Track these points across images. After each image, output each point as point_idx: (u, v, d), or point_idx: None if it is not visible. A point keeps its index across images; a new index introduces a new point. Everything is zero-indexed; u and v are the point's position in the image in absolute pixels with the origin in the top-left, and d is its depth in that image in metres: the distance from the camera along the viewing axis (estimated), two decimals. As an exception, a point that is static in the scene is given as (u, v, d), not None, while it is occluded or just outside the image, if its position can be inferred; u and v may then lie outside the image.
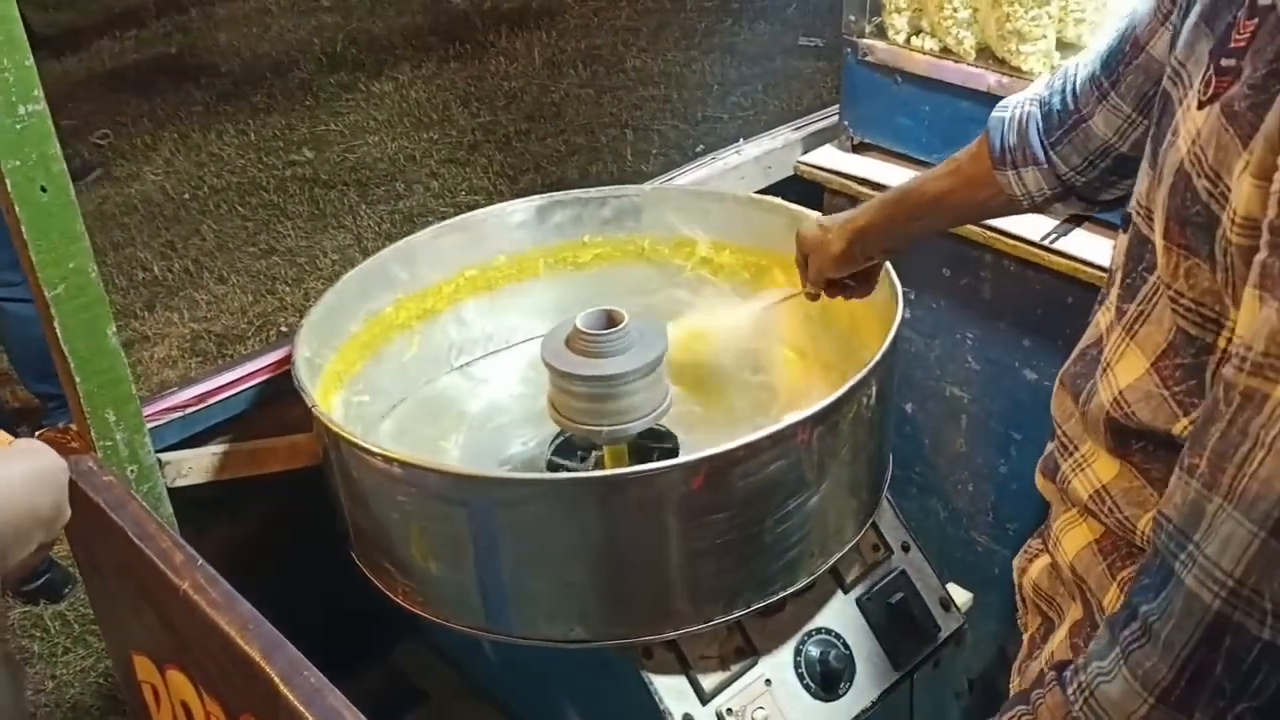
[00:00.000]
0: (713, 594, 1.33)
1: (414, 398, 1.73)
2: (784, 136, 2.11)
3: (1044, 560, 1.00)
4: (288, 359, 1.62)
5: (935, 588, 1.56)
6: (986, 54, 1.82)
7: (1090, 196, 1.11)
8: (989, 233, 1.76)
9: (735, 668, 1.38)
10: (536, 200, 1.78)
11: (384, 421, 1.66)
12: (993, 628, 1.78)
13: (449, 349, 1.78)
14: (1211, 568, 0.66)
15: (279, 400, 1.64)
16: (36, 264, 1.30)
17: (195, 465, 1.57)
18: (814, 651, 1.42)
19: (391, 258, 1.67)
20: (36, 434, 1.51)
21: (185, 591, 1.23)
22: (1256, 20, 0.67)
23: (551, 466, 1.56)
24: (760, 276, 1.71)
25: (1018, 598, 1.06)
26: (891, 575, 1.51)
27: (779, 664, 1.41)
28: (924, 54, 1.85)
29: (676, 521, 1.27)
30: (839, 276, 1.40)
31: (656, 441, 1.56)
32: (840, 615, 1.46)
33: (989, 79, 1.77)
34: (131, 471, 1.45)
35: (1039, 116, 1.11)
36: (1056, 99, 1.10)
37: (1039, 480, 1.01)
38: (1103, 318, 0.91)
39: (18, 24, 1.21)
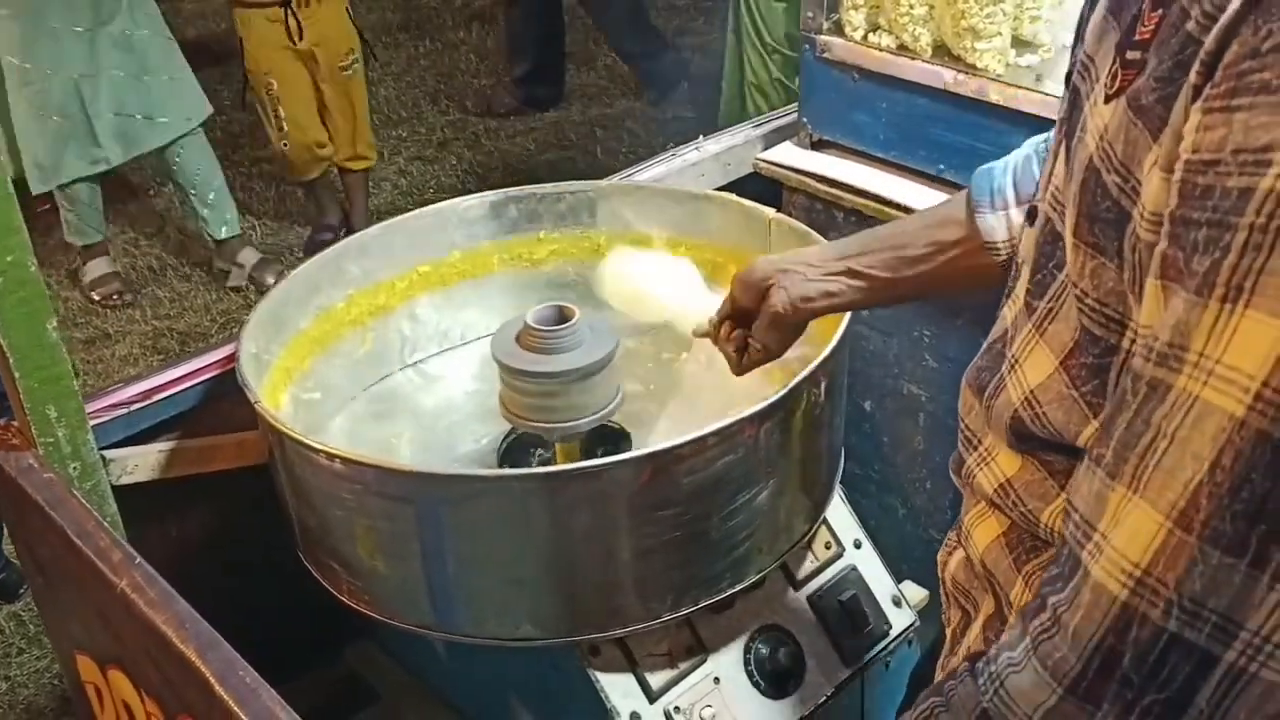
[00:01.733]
0: (660, 591, 1.32)
1: (365, 395, 1.72)
2: (744, 133, 2.10)
3: (961, 553, 0.99)
4: (234, 355, 1.61)
5: (888, 585, 1.56)
6: (943, 51, 1.81)
7: None
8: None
9: (684, 665, 1.37)
10: (491, 196, 1.77)
11: (335, 419, 1.65)
12: (948, 625, 1.78)
13: (401, 345, 1.76)
14: (1118, 558, 0.65)
15: (227, 397, 1.62)
16: (-28, 258, 1.28)
17: (141, 463, 1.55)
18: (764, 649, 1.41)
19: (343, 252, 1.65)
20: (-22, 431, 1.48)
21: (123, 590, 1.21)
22: (1161, 11, 0.67)
23: (503, 464, 1.55)
24: (716, 272, 1.70)
25: (941, 592, 1.05)
26: (843, 573, 1.51)
27: (728, 661, 1.40)
28: (881, 50, 1.85)
29: (623, 518, 1.26)
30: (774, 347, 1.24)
31: (609, 439, 1.55)
32: (791, 612, 1.46)
33: (945, 76, 1.77)
34: (74, 469, 1.43)
35: (1035, 160, 1.09)
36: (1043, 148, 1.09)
37: (952, 474, 1.00)
38: (1008, 311, 0.90)
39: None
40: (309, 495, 1.35)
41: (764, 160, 2.02)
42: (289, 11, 3.46)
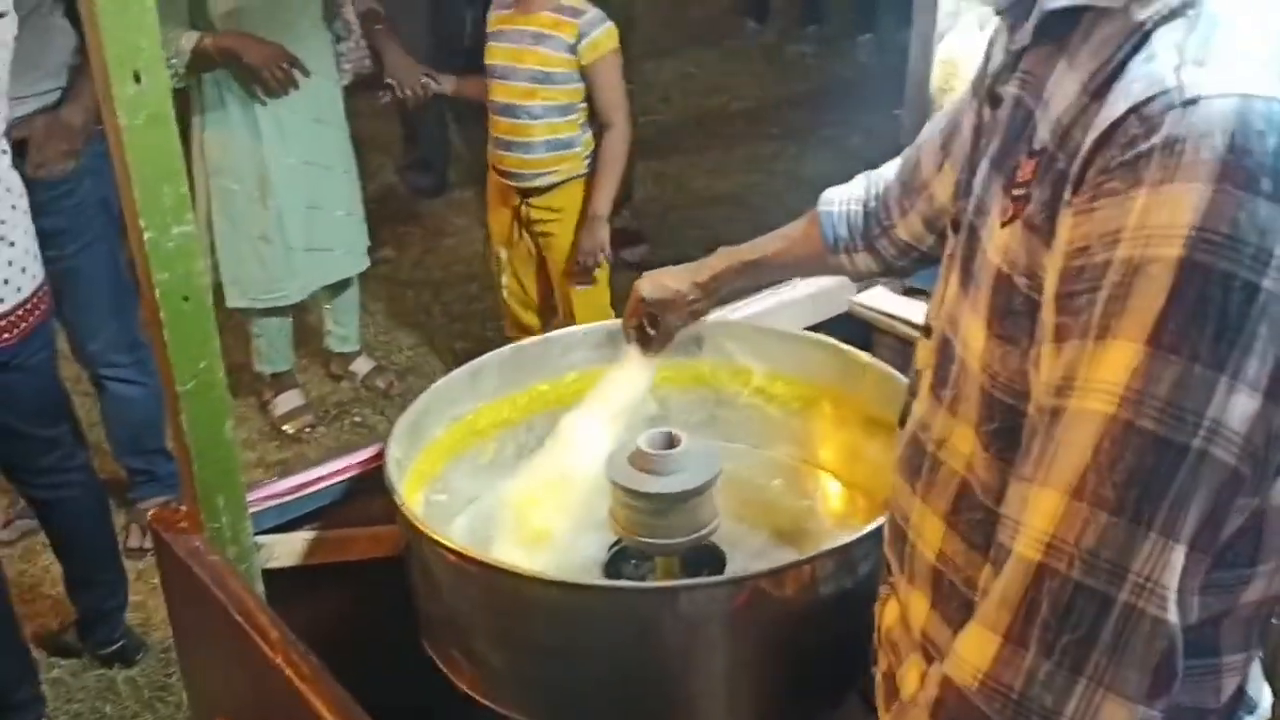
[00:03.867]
0: (754, 707, 1.44)
1: (485, 498, 1.88)
2: (837, 277, 2.26)
3: (895, 607, 1.18)
4: (376, 456, 1.79)
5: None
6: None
7: (908, 273, 1.56)
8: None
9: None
10: (608, 325, 1.95)
11: (457, 518, 1.81)
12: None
13: (520, 457, 1.93)
14: (1032, 531, 0.85)
15: (364, 494, 1.80)
16: (173, 362, 1.48)
17: (285, 549, 1.73)
18: (841, 764, 1.53)
19: (473, 370, 1.84)
20: (150, 513, 1.68)
21: (279, 664, 1.37)
22: (1035, 160, 0.92)
23: (607, 574, 1.69)
24: (809, 407, 1.86)
25: (875, 638, 1.26)
26: (917, 696, 1.62)
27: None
28: (972, 211, 2.01)
29: (734, 635, 1.40)
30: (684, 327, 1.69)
31: (705, 559, 1.69)
32: (868, 731, 1.56)
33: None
34: (232, 552, 1.61)
35: (861, 217, 1.49)
36: (873, 205, 1.48)
37: (888, 552, 1.21)
38: (917, 408, 1.13)
39: (178, 156, 1.41)
40: (440, 591, 1.51)
41: (859, 304, 2.18)
42: None
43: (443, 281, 4.66)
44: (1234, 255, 0.78)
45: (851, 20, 6.86)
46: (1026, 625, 0.86)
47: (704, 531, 1.61)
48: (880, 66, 5.98)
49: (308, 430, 3.75)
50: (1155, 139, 0.80)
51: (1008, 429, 0.99)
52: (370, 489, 1.81)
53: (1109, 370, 0.82)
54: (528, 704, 1.49)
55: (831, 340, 1.88)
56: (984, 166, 1.03)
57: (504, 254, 3.42)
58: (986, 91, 1.07)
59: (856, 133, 5.53)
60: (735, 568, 1.65)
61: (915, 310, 2.12)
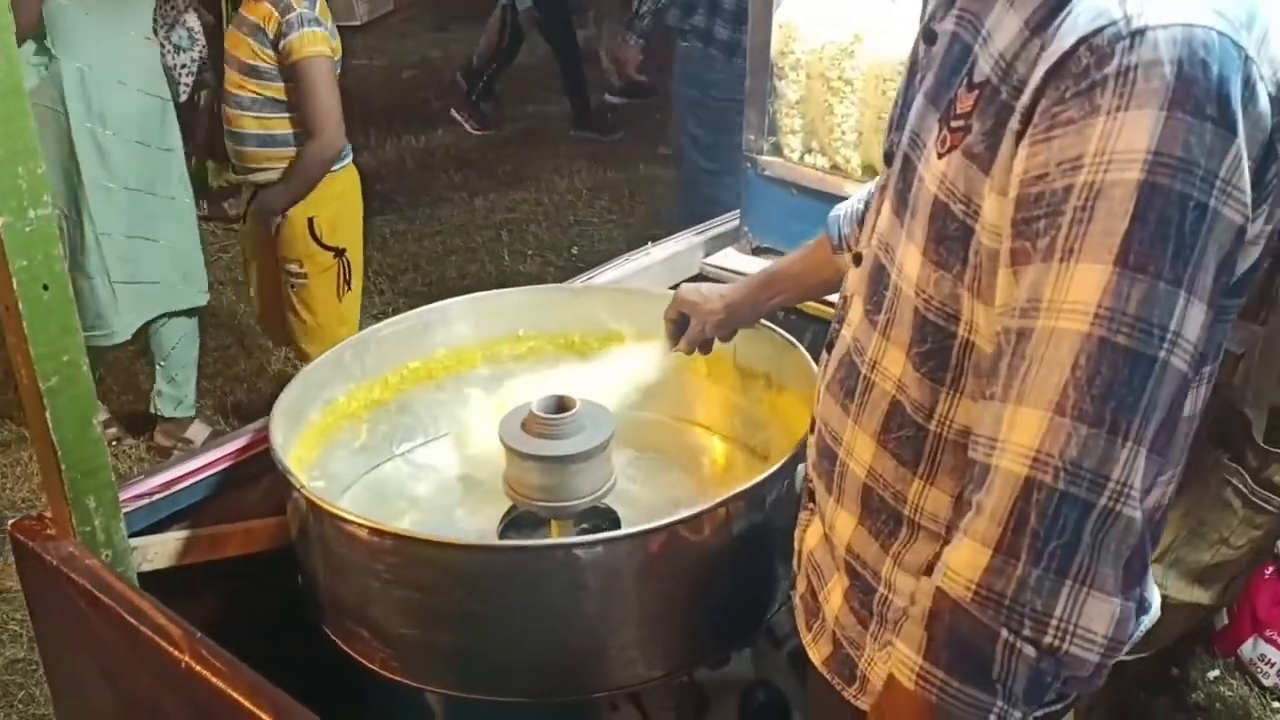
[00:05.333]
0: (668, 650, 1.47)
1: (361, 482, 1.84)
2: (688, 240, 2.32)
3: (817, 528, 1.26)
4: (248, 447, 1.72)
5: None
6: (870, 170, 2.07)
7: None
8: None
9: (689, 717, 1.52)
10: (477, 297, 1.93)
11: (340, 502, 1.75)
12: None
13: (392, 437, 1.89)
14: (1017, 448, 0.91)
15: (235, 487, 1.72)
16: (35, 357, 1.38)
17: (160, 550, 1.63)
18: (755, 701, 1.58)
19: (347, 349, 1.79)
20: (10, 525, 1.56)
21: (188, 663, 1.30)
22: (977, 92, 0.98)
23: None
24: (682, 366, 1.89)
25: (794, 563, 1.32)
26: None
27: (726, 714, 1.56)
28: (816, 170, 2.10)
29: (640, 584, 1.42)
30: (711, 338, 1.66)
31: (600, 518, 1.70)
32: (776, 667, 1.62)
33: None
34: (106, 556, 1.51)
35: (862, 211, 1.45)
36: (871, 197, 1.42)
37: (813, 472, 1.26)
38: (846, 331, 1.20)
39: (32, 134, 1.31)
40: (345, 571, 1.47)
41: (710, 264, 2.23)
42: None
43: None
44: (1188, 177, 0.85)
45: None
46: (1016, 536, 0.91)
47: (601, 492, 1.62)
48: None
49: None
50: (1108, 69, 0.86)
51: (939, 350, 1.05)
52: (240, 481, 1.74)
53: (1079, 290, 0.88)
54: (443, 675, 1.47)
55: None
56: (919, 101, 1.09)
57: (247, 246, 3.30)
58: (922, 30, 1.13)
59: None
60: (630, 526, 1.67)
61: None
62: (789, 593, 1.39)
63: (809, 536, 1.30)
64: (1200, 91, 0.84)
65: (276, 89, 2.94)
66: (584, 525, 1.67)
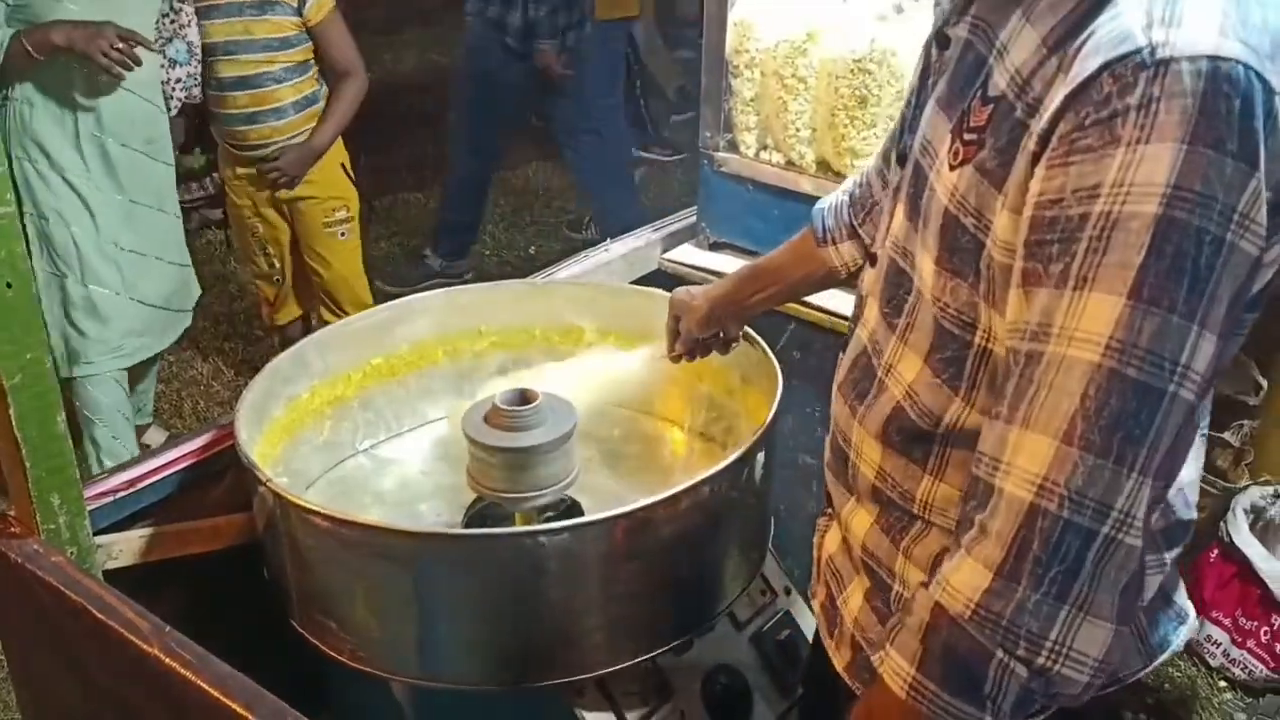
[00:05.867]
0: (632, 636, 1.50)
1: (325, 478, 1.85)
2: (645, 236, 2.35)
3: (836, 533, 1.27)
4: (211, 444, 1.73)
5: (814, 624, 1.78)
6: (825, 166, 2.11)
7: None
8: (833, 318, 2.03)
9: (654, 702, 1.55)
10: (438, 294, 1.95)
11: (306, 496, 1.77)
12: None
13: (355, 433, 1.91)
14: (1023, 473, 0.93)
15: (199, 484, 1.73)
16: (-2, 354, 1.38)
17: (126, 548, 1.63)
18: (718, 685, 1.61)
19: (310, 345, 1.80)
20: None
21: (156, 656, 1.31)
22: (992, 106, 0.98)
23: (469, 534, 1.70)
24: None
25: (814, 569, 1.33)
26: (778, 615, 1.72)
27: (690, 697, 1.58)
28: (771, 166, 2.13)
29: (603, 570, 1.45)
30: (703, 336, 1.65)
31: (564, 510, 1.73)
32: (738, 651, 1.66)
33: (827, 188, 2.05)
34: (71, 553, 1.51)
35: (848, 203, 1.46)
36: (857, 190, 1.45)
37: (829, 474, 1.28)
38: (863, 333, 1.21)
39: (-9, 132, 1.32)
40: (313, 564, 1.48)
41: (669, 260, 2.27)
42: None
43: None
44: (1206, 211, 0.85)
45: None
46: (1018, 561, 0.93)
47: (564, 483, 1.65)
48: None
49: None
50: (1130, 98, 0.85)
51: (958, 358, 1.06)
52: (204, 478, 1.74)
53: (1092, 321, 0.88)
54: (409, 665, 1.49)
55: (659, 291, 1.94)
56: (930, 106, 1.09)
57: (260, 229, 3.44)
58: (935, 33, 1.12)
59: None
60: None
61: (721, 263, 2.22)
62: (751, 577, 1.43)
63: (828, 542, 1.31)
64: (1222, 125, 0.84)
65: (305, 50, 3.20)
66: (548, 516, 1.70)
